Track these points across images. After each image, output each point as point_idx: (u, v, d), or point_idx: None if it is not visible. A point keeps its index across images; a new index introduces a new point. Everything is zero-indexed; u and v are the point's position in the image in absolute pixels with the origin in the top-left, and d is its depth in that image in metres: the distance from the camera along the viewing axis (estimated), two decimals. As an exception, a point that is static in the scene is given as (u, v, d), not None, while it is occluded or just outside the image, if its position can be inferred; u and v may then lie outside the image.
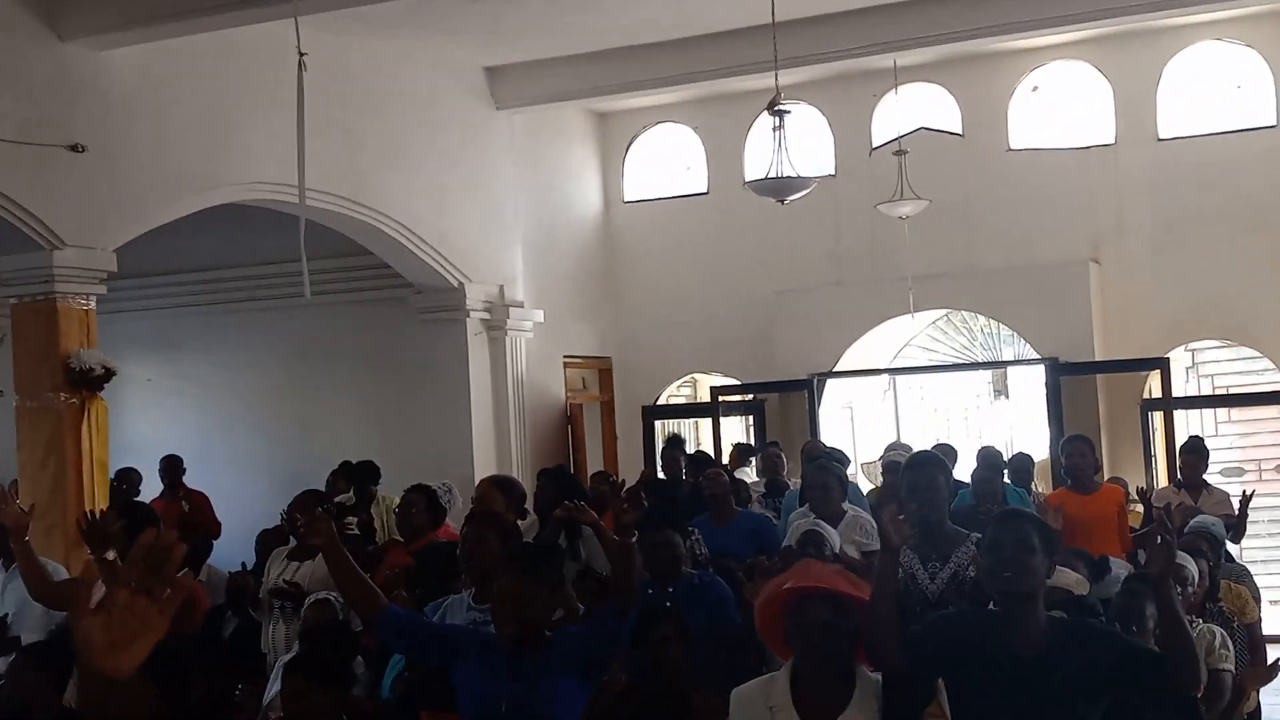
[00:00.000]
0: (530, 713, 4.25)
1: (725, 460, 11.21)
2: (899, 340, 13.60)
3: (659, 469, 11.28)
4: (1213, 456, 9.30)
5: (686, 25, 10.71)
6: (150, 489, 10.89)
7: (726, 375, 13.41)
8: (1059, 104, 12.62)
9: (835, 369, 12.77)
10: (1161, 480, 10.87)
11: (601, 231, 13.70)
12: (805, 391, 12.58)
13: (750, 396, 13.23)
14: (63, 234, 7.96)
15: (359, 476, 10.13)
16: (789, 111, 9.12)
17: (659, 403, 13.61)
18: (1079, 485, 7.95)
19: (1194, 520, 7.12)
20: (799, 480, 8.80)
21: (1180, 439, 10.08)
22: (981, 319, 13.28)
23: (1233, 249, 11.68)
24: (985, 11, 10.40)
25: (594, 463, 12.50)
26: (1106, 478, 9.64)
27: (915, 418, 13.76)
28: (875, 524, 5.02)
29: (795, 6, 9.40)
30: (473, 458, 10.95)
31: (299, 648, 6.07)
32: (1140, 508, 9.08)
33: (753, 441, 12.46)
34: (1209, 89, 12.12)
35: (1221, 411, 12.39)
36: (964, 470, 9.13)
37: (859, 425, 13.54)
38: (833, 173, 12.92)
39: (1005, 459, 9.22)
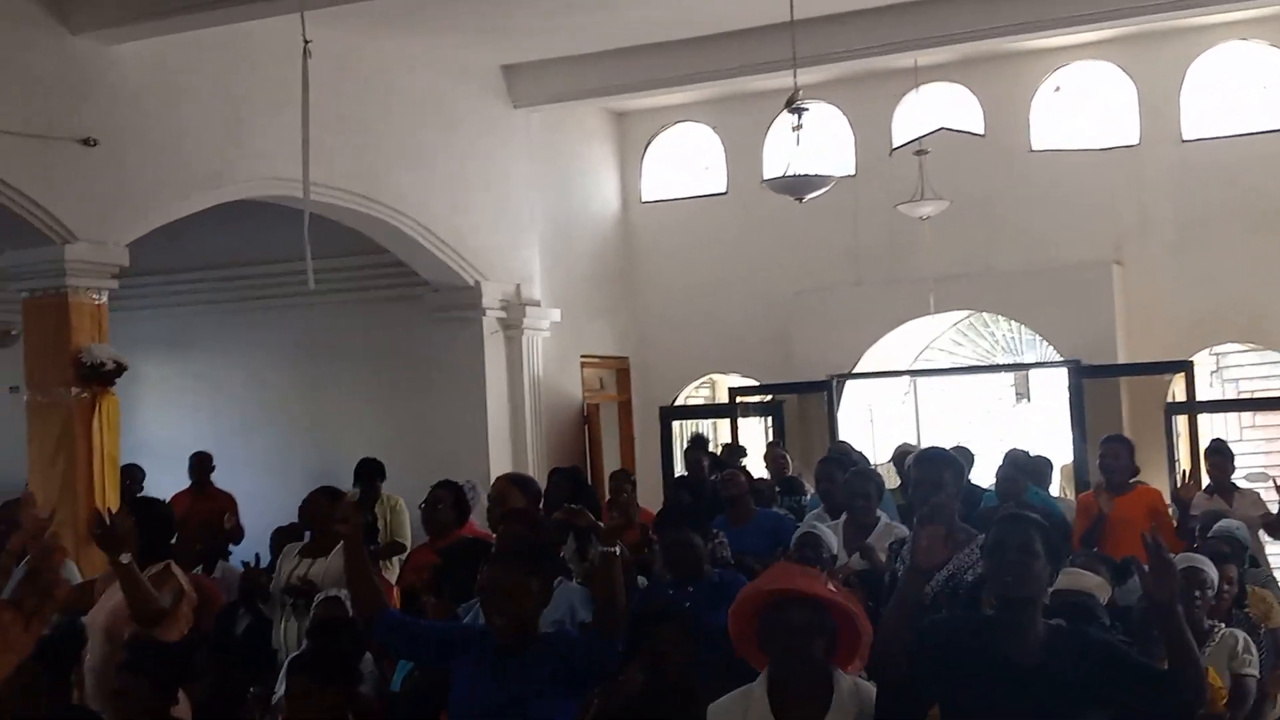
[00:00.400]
0: (512, 711, 4.17)
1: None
2: (920, 342, 13.49)
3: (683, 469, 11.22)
4: (1236, 461, 9.16)
5: (705, 23, 10.63)
6: (155, 486, 10.86)
7: (745, 376, 13.31)
8: (1082, 104, 12.48)
9: (854, 370, 12.67)
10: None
11: (619, 231, 13.62)
12: (824, 393, 12.47)
13: (769, 398, 13.13)
14: (74, 228, 7.93)
15: (366, 474, 10.09)
16: (807, 109, 9.02)
17: (677, 403, 13.52)
18: (1112, 486, 7.86)
19: (1217, 525, 7.02)
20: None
21: (1205, 444, 9.94)
22: (1004, 321, 13.17)
23: (1258, 251, 11.52)
24: (1007, 10, 10.29)
25: (611, 463, 12.40)
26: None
27: (936, 421, 13.64)
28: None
29: (815, 4, 9.34)
30: (488, 457, 10.88)
31: (305, 645, 6.01)
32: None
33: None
34: (1234, 89, 11.98)
35: (1246, 416, 12.23)
36: (985, 475, 9.10)
37: (879, 428, 13.43)
38: (853, 172, 12.81)
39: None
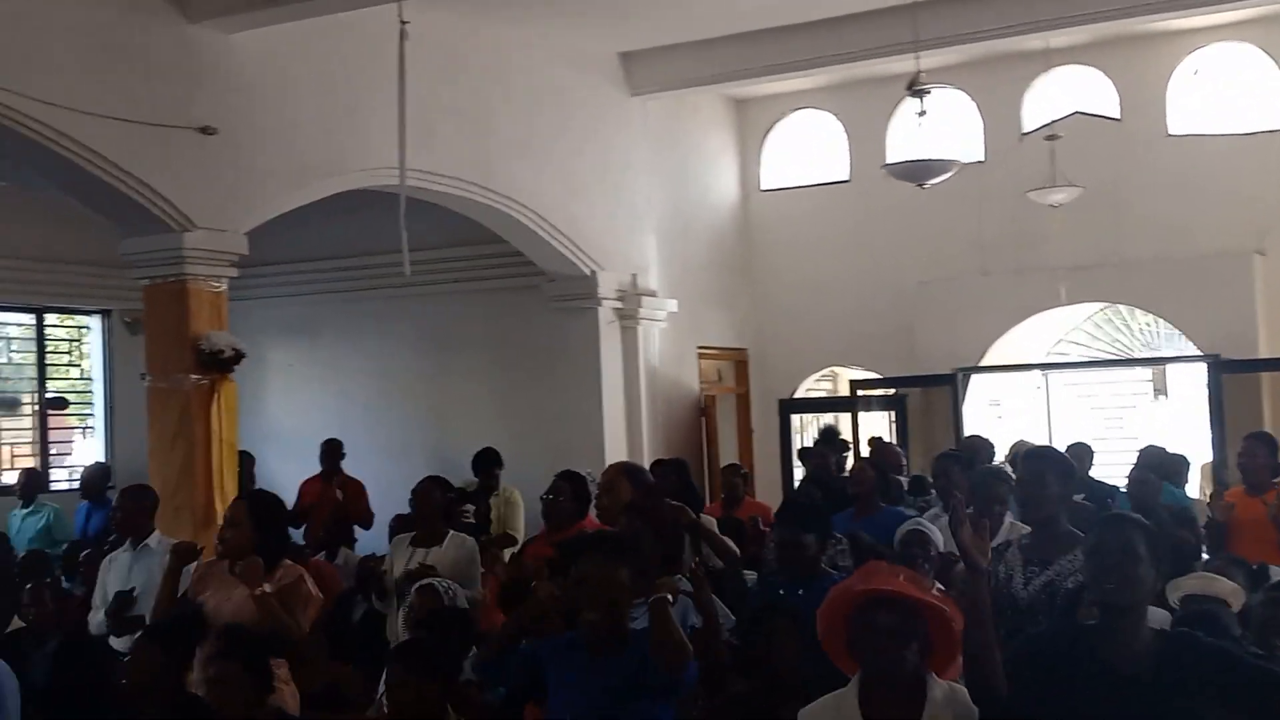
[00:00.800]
0: (609, 711, 4.13)
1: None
2: (1052, 335, 13.12)
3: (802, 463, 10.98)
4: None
5: (826, 6, 10.41)
6: (281, 472, 11.04)
7: (867, 369, 13.08)
8: (1221, 87, 12.01)
9: (981, 363, 12.35)
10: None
11: (738, 220, 13.46)
12: (949, 386, 12.17)
13: (891, 391, 12.86)
14: (193, 216, 8.00)
15: (484, 464, 10.09)
16: (929, 91, 8.80)
17: (796, 396, 13.30)
18: (1250, 486, 7.53)
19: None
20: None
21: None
22: (1141, 314, 12.73)
23: None
24: (1143, -11, 9.93)
25: (728, 456, 12.25)
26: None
27: (1069, 417, 13.24)
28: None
29: (939, -15, 9.06)
30: (603, 448, 10.78)
31: (406, 635, 5.98)
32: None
33: (893, 439, 12.07)
34: (1384, 70, 11.40)
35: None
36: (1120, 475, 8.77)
37: (1007, 423, 13.08)
38: (981, 159, 12.49)
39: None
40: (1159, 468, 8.40)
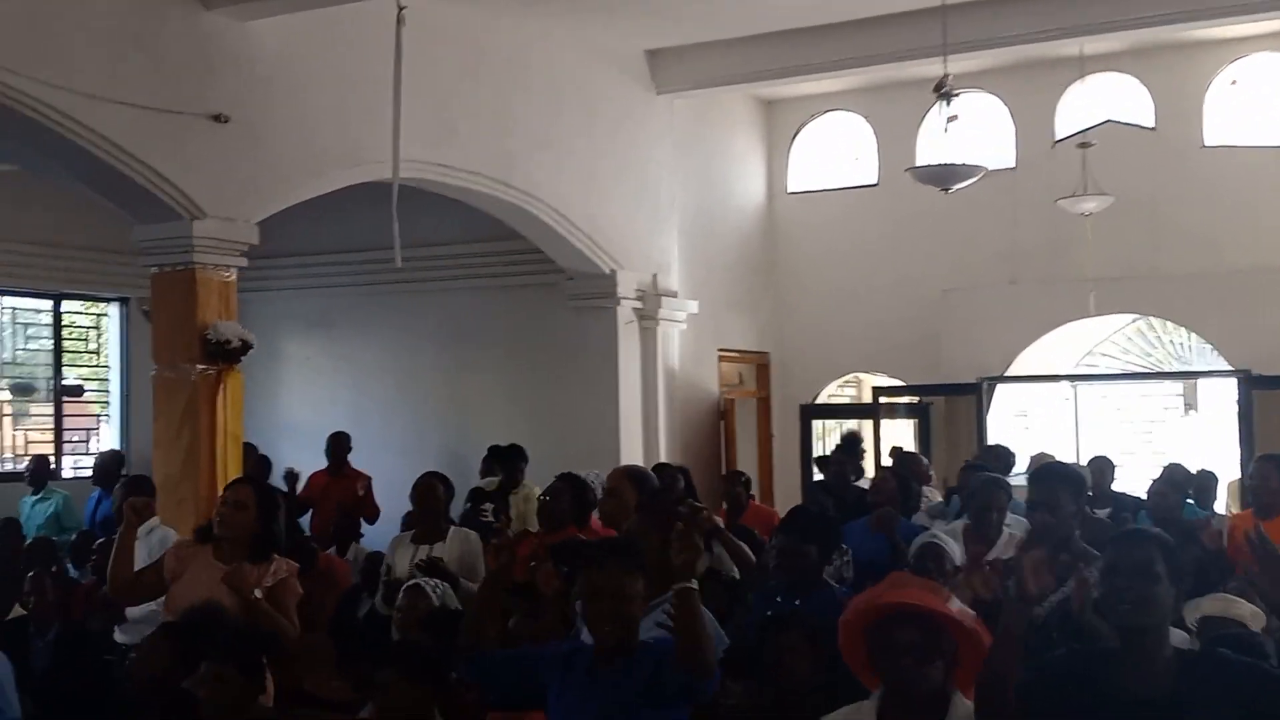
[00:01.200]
0: None
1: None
2: (1081, 346, 12.92)
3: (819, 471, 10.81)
4: None
5: (856, 7, 10.25)
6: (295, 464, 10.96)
7: (891, 376, 12.90)
8: (1260, 98, 11.81)
9: (1007, 373, 12.15)
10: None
11: (763, 222, 13.31)
12: (974, 396, 11.98)
13: (915, 399, 12.68)
14: (203, 204, 7.90)
15: (509, 460, 9.99)
16: (956, 94, 8.62)
17: (818, 401, 13.13)
18: (1259, 509, 7.29)
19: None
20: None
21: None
22: (1172, 327, 12.51)
23: None
24: (1182, -5, 9.72)
25: (746, 461, 12.11)
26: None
27: (1097, 430, 13.03)
28: None
29: (970, -13, 8.88)
30: (619, 449, 10.64)
31: (395, 637, 5.86)
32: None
33: (916, 448, 11.89)
34: None
35: None
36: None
37: (1034, 435, 12.88)
38: (1012, 165, 12.30)
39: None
40: (1182, 484, 8.19)
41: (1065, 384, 12.83)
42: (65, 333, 11.98)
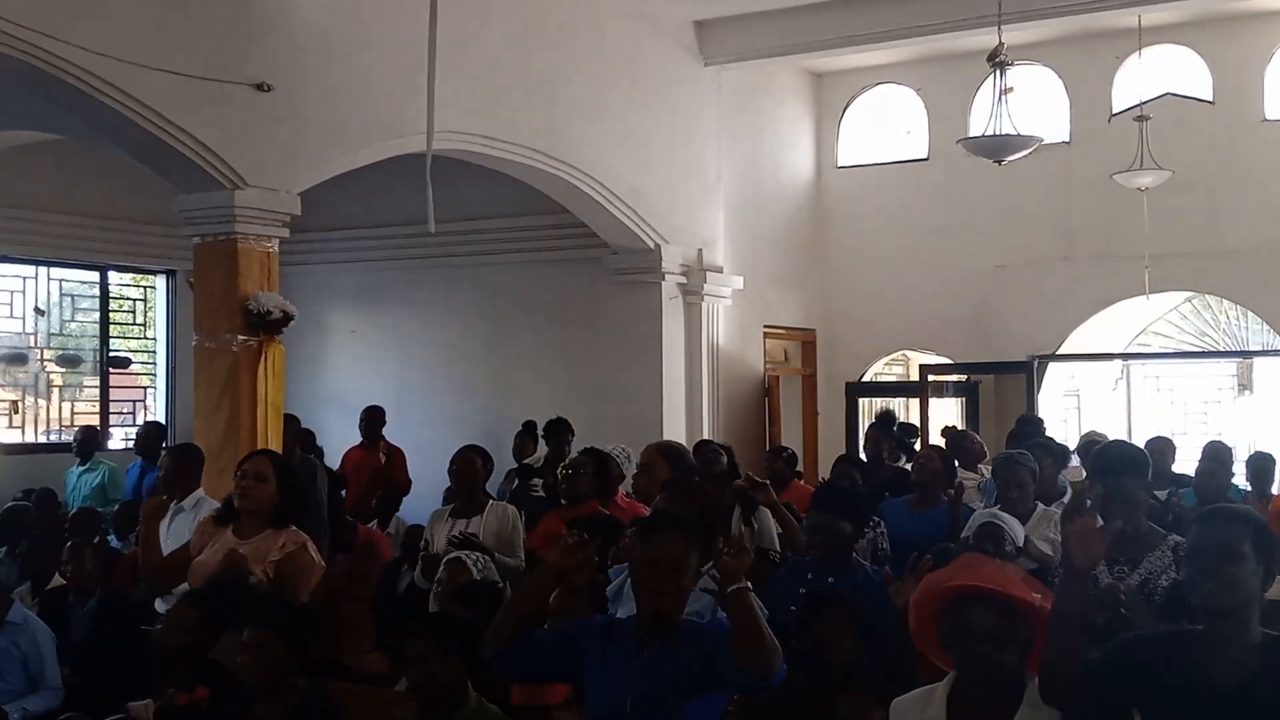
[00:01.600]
0: (662, 705, 3.81)
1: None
2: (1136, 324, 12.68)
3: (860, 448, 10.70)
4: None
5: (908, -23, 10.06)
6: (340, 437, 10.94)
7: (940, 354, 12.72)
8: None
9: (1059, 351, 11.94)
10: None
11: (811, 197, 13.14)
12: (1024, 374, 11.79)
13: (964, 377, 12.49)
14: (245, 174, 7.84)
15: (556, 433, 9.94)
16: (1010, 64, 8.43)
17: (864, 379, 12.97)
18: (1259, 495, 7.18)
19: None
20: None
21: None
22: (1228, 305, 12.25)
23: None
24: (1242, -35, 9.49)
25: (791, 438, 11.97)
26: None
27: (1149, 409, 12.79)
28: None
29: (1025, -46, 8.67)
30: (662, 424, 10.55)
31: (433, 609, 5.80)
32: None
33: (963, 426, 11.71)
34: None
35: None
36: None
37: (1085, 414, 12.67)
38: (1067, 139, 12.06)
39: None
40: (1227, 461, 7.96)
41: (1118, 363, 12.60)
42: (113, 305, 12.00)
